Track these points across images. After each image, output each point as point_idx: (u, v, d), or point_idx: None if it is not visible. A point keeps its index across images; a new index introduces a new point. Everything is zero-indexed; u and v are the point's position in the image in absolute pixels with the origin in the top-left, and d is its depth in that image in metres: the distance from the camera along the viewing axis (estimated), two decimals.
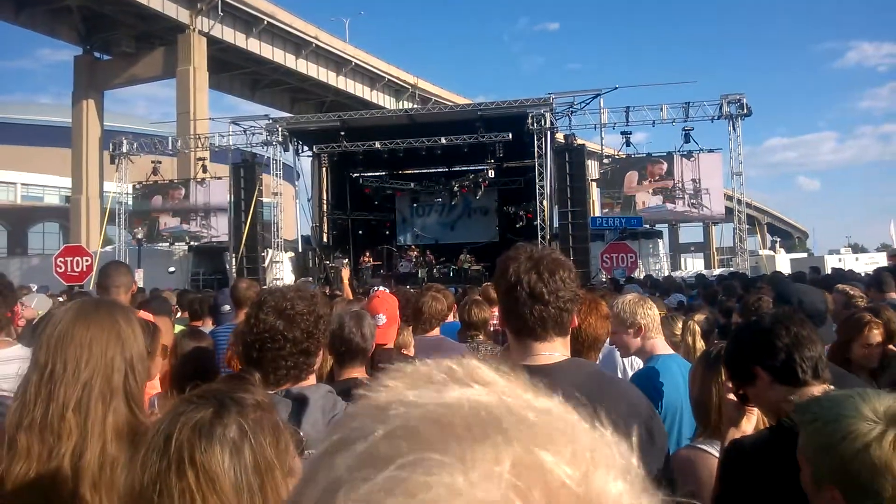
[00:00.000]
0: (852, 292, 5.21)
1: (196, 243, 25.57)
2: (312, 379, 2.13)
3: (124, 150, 25.22)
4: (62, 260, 15.06)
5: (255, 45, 36.01)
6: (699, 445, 2.36)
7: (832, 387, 1.87)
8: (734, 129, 21.59)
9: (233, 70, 39.25)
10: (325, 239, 26.32)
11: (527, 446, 0.36)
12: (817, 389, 1.83)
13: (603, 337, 2.98)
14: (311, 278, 23.26)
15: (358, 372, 2.82)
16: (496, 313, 6.29)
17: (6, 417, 1.57)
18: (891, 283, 6.08)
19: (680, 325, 4.15)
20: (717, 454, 2.24)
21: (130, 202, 26.19)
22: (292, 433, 1.24)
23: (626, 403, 1.71)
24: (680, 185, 22.18)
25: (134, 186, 26.25)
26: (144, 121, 46.28)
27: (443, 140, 22.26)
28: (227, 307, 5.36)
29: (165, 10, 31.85)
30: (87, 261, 15.03)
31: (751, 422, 2.10)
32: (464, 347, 4.36)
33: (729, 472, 1.87)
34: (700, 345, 3.76)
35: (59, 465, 1.50)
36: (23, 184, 55.12)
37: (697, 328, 3.89)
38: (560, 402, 0.43)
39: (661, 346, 3.20)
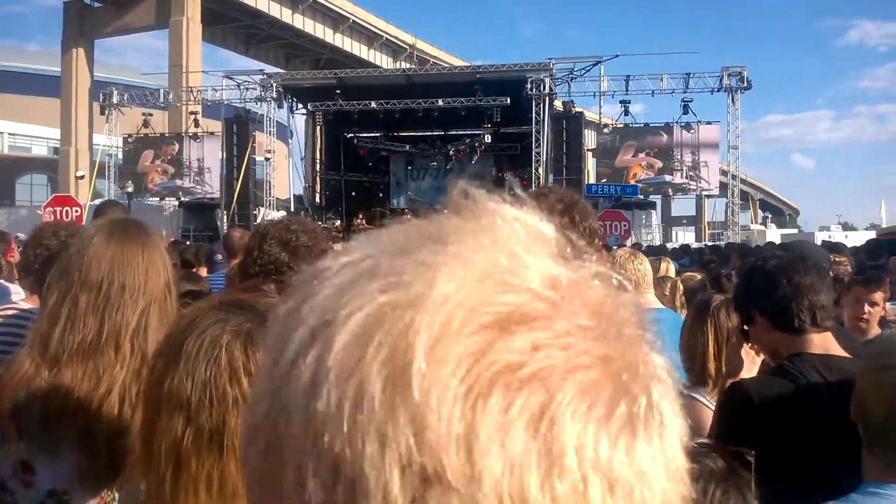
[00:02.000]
0: (838, 259, 5.53)
1: (187, 199, 25.31)
2: None
3: (115, 101, 24.80)
4: (51, 209, 14.92)
5: None
6: (688, 393, 2.36)
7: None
8: (733, 101, 21.47)
9: (227, 23, 38.37)
10: (317, 199, 26.14)
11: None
12: (818, 337, 1.86)
13: None
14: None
15: None
16: None
17: (46, 340, 1.48)
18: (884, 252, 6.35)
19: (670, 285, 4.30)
20: (706, 402, 2.32)
21: (121, 155, 25.79)
22: None
23: None
24: (678, 157, 22.10)
25: (125, 139, 25.84)
26: (135, 72, 45.31)
27: (440, 102, 22.01)
28: (220, 256, 5.35)
29: None
30: (76, 211, 14.91)
31: (751, 371, 2.15)
32: None
33: (730, 412, 1.90)
34: (680, 301, 3.98)
35: (108, 391, 1.44)
36: (10, 133, 54.09)
37: (680, 286, 4.10)
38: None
39: (652, 301, 3.20)
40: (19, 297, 2.80)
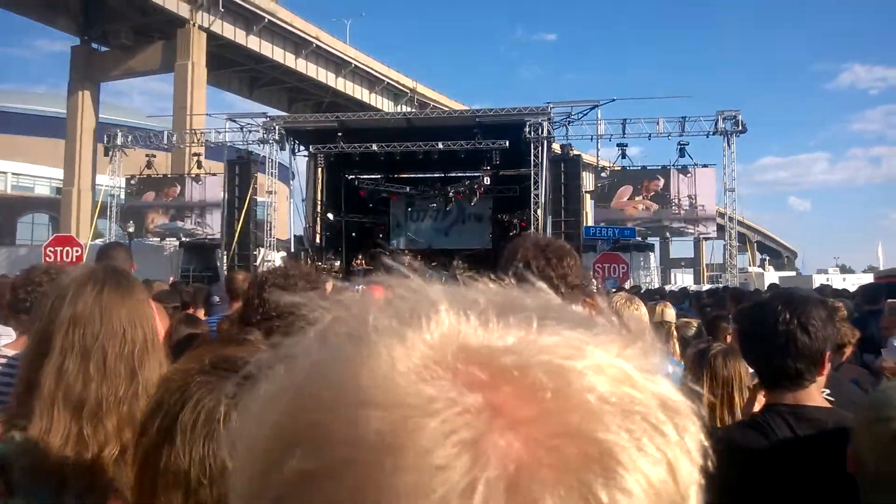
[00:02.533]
0: (837, 304, 5.48)
1: (188, 239, 25.41)
2: None
3: (119, 142, 25.08)
4: (52, 249, 14.96)
5: (255, 43, 35.96)
6: None
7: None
8: (729, 145, 21.78)
9: (231, 67, 39.17)
10: (317, 240, 26.23)
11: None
12: (791, 392, 1.82)
13: None
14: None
15: None
16: None
17: (34, 391, 1.45)
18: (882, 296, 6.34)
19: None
20: None
21: (123, 196, 25.99)
22: None
23: None
24: (676, 200, 22.32)
25: (127, 180, 26.08)
26: (140, 114, 46.04)
27: (440, 145, 22.30)
28: (217, 298, 5.35)
29: (166, 4, 31.78)
30: (77, 251, 14.93)
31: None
32: None
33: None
34: (675, 347, 3.87)
35: (88, 447, 1.42)
36: (13, 173, 54.58)
37: (675, 332, 4.04)
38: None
39: None
40: (9, 339, 2.75)
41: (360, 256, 25.18)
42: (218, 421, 0.94)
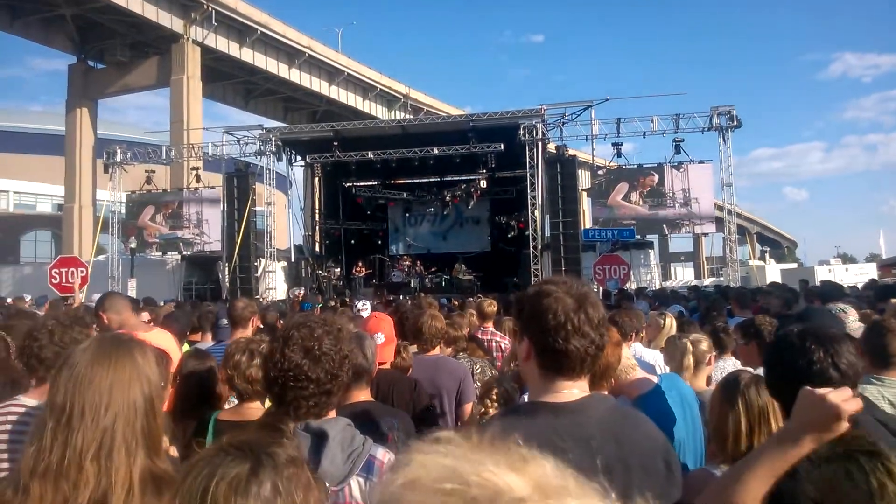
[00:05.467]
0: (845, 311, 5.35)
1: (188, 252, 25.55)
2: (332, 412, 2.10)
3: (118, 158, 25.24)
4: (57, 271, 15.08)
5: (248, 55, 36.16)
6: (713, 470, 2.32)
7: None
8: (724, 140, 21.84)
9: (226, 79, 39.36)
10: (317, 248, 26.37)
11: None
12: None
13: (615, 365, 2.84)
14: (303, 288, 23.30)
15: (363, 395, 2.85)
16: (488, 328, 6.42)
17: (21, 461, 1.50)
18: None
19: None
20: None
21: (124, 211, 26.16)
22: (322, 489, 1.28)
23: (645, 437, 1.77)
24: (671, 194, 22.42)
25: (128, 196, 26.23)
26: (138, 129, 46.17)
27: (435, 150, 22.40)
28: (225, 321, 5.42)
29: (160, 20, 31.98)
30: (81, 272, 15.03)
31: None
32: (464, 368, 4.38)
33: None
34: (689, 362, 3.71)
35: None
36: (15, 192, 54.87)
37: (690, 346, 3.79)
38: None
39: (642, 382, 2.99)
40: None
41: (360, 263, 25.31)
42: (209, 496, 1.10)
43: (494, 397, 3.26)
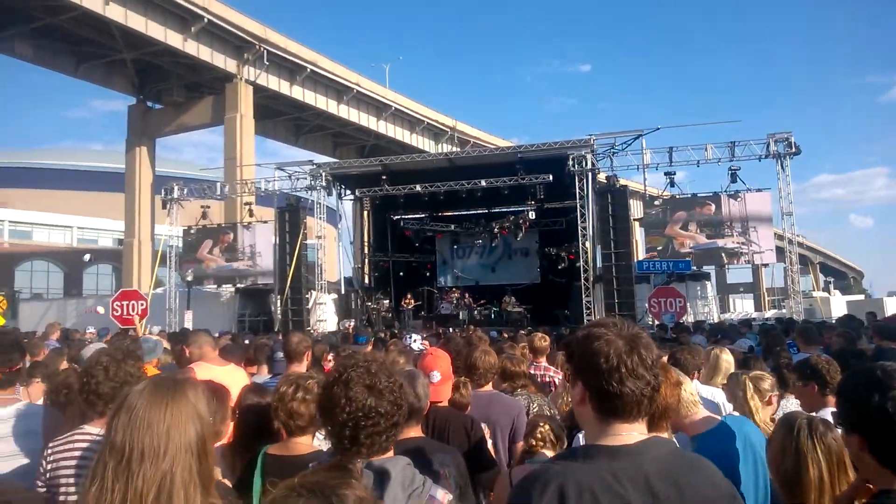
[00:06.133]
0: None
1: (242, 285, 26.05)
2: (391, 450, 2.12)
3: (175, 195, 26.06)
4: (118, 304, 15.48)
5: (298, 92, 37.18)
6: None
7: None
8: (782, 167, 21.19)
9: (277, 116, 40.52)
10: (366, 280, 26.56)
11: None
12: None
13: (673, 406, 2.78)
14: (353, 320, 23.39)
15: (414, 431, 2.82)
16: (541, 363, 6.33)
17: (80, 497, 1.54)
18: None
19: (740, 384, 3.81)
20: None
21: (181, 245, 26.92)
22: None
23: (709, 484, 1.69)
24: (728, 223, 21.77)
25: (186, 231, 27.01)
26: (193, 166, 47.93)
27: (483, 182, 22.39)
28: (280, 354, 5.49)
29: (214, 61, 33.21)
30: (142, 304, 15.43)
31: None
32: (519, 404, 4.30)
33: None
34: (754, 403, 3.55)
35: None
36: (78, 227, 57.32)
37: (749, 384, 3.63)
38: None
39: (704, 422, 2.92)
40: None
41: (408, 295, 25.34)
42: None
43: (539, 436, 3.29)
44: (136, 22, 29.64)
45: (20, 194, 57.12)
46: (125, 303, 15.45)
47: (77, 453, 2.61)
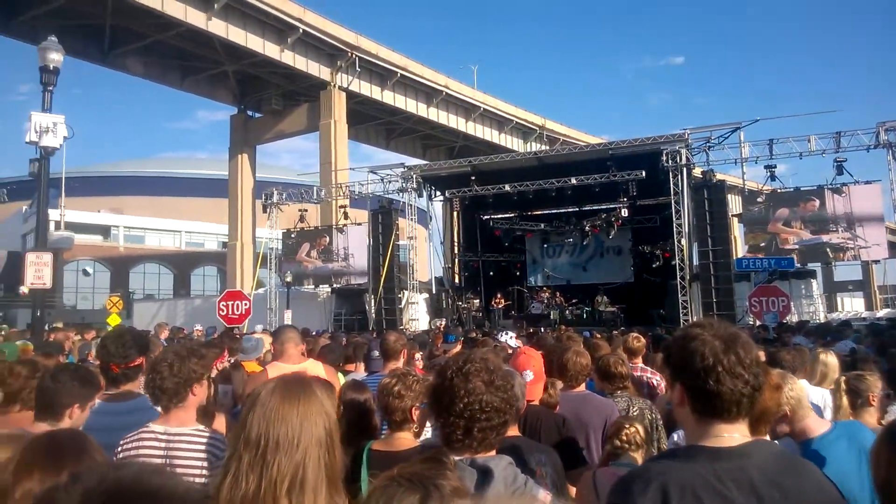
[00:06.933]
0: None
1: (338, 285, 27.05)
2: (495, 448, 2.09)
3: (275, 199, 27.43)
4: (224, 304, 16.50)
5: (389, 97, 38.09)
6: None
7: None
8: (894, 157, 19.79)
9: (369, 121, 41.68)
10: (457, 280, 26.92)
11: None
12: None
13: (773, 409, 2.71)
14: (444, 319, 23.80)
15: (511, 430, 2.82)
16: (637, 364, 6.23)
17: (214, 489, 1.61)
18: None
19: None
20: None
21: (280, 247, 28.27)
22: None
23: (815, 489, 1.67)
24: (833, 218, 20.54)
25: (285, 234, 28.37)
26: (291, 171, 50.05)
27: (573, 180, 22.19)
28: (377, 353, 5.72)
29: (309, 70, 34.60)
30: (245, 304, 16.39)
31: None
32: (612, 404, 4.29)
33: None
34: (842, 401, 3.36)
35: None
36: (186, 231, 61.19)
37: (843, 384, 3.44)
38: None
39: (813, 426, 2.84)
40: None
41: (498, 295, 25.48)
42: None
43: (625, 437, 3.25)
44: (237, 35, 31.35)
45: (134, 201, 61.67)
46: (230, 303, 16.40)
47: (144, 451, 2.74)
